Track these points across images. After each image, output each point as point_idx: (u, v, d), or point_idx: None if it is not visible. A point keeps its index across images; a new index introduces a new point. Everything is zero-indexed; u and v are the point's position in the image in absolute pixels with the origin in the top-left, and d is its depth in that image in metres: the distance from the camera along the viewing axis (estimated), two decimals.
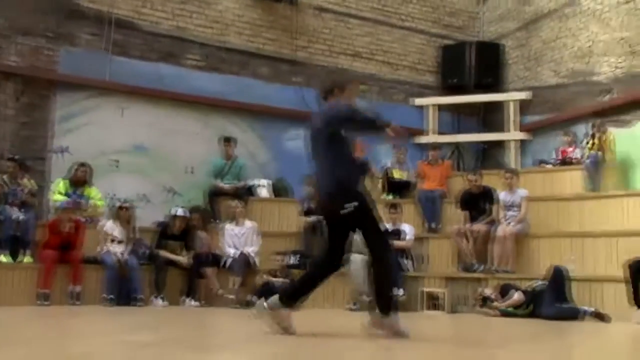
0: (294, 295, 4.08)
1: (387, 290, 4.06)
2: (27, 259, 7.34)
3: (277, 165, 9.96)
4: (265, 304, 4.01)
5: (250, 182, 9.30)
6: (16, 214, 7.41)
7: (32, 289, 7.12)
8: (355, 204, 3.93)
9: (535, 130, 10.45)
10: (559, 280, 6.56)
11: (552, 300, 6.43)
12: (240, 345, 3.56)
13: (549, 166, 9.22)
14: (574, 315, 6.23)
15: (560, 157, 9.15)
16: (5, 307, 6.84)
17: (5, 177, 7.68)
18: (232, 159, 9.11)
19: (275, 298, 4.03)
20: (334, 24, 10.92)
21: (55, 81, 8.78)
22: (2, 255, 7.22)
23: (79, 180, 8.12)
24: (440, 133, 11.01)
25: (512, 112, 10.64)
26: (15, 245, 7.37)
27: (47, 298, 7.05)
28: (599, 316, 6.18)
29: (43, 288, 7.07)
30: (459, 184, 9.40)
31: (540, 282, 6.79)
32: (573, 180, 8.78)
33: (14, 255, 7.31)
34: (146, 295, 7.51)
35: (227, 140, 9.09)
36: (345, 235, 4.18)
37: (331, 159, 4.10)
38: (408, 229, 8.03)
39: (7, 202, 7.53)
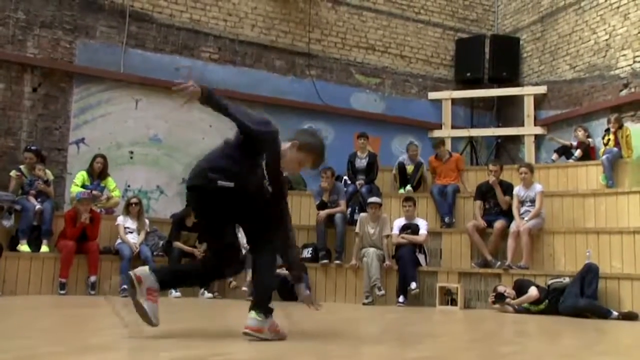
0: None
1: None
2: (45, 248, 7.44)
3: None
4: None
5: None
6: (35, 204, 7.51)
7: (50, 278, 7.22)
8: (232, 184, 3.32)
9: (550, 125, 10.38)
10: (589, 276, 6.51)
11: (576, 295, 6.40)
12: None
13: (571, 161, 9.12)
14: (603, 313, 6.19)
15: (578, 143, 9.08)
16: (24, 295, 6.95)
17: (23, 167, 7.76)
18: None
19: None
20: (348, 17, 10.89)
21: (72, 73, 8.82)
22: (21, 245, 7.31)
23: (97, 172, 8.20)
24: (455, 127, 10.98)
25: (527, 107, 10.57)
26: (34, 235, 7.47)
27: (64, 287, 7.15)
28: (628, 316, 6.15)
29: (61, 277, 7.17)
30: (473, 177, 9.39)
31: (556, 280, 6.77)
32: (589, 175, 8.72)
33: (33, 245, 7.41)
34: None
35: None
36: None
37: (231, 148, 3.53)
38: (422, 224, 8.01)
39: (26, 192, 7.62)
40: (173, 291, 7.48)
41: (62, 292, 7.13)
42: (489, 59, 11.06)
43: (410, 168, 9.37)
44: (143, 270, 3.35)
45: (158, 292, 3.33)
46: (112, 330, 3.78)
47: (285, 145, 3.56)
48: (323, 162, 3.72)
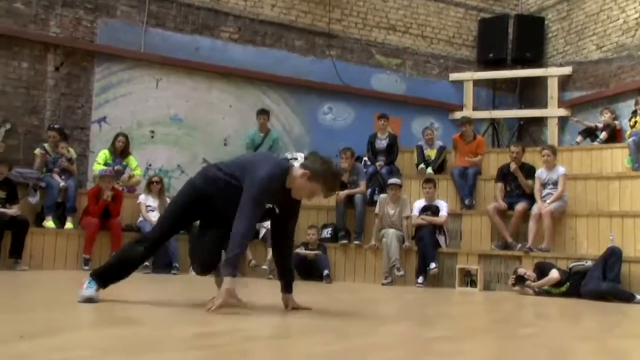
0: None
1: None
2: (69, 225, 7.57)
3: (310, 139, 9.98)
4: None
5: (284, 155, 9.32)
6: (59, 181, 7.63)
7: (74, 254, 7.37)
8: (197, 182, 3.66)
9: (575, 106, 10.23)
10: (612, 259, 6.45)
11: (598, 278, 6.35)
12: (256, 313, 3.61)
13: (595, 143, 9.00)
14: (626, 296, 6.14)
15: (604, 125, 8.95)
16: (49, 270, 7.10)
17: (47, 145, 7.87)
18: (267, 131, 9.14)
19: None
20: None
21: (93, 52, 8.89)
22: (47, 221, 7.45)
23: (119, 151, 8.29)
24: (476, 109, 10.87)
25: (551, 88, 10.42)
26: (59, 211, 7.61)
27: (87, 263, 7.28)
28: None
29: (85, 254, 7.31)
30: (494, 160, 9.31)
31: (578, 263, 6.72)
32: (615, 158, 8.60)
33: (58, 221, 7.54)
34: (183, 264, 7.65)
35: (263, 113, 9.11)
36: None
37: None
38: (443, 205, 7.99)
39: (50, 170, 7.75)
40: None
41: (86, 267, 7.24)
42: (513, 40, 10.89)
43: (428, 152, 9.31)
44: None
45: None
46: (137, 305, 3.85)
47: (297, 172, 3.53)
48: (335, 191, 3.66)
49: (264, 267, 7.64)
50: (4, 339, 2.16)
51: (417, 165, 9.23)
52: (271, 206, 3.60)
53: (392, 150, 9.09)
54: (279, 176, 3.50)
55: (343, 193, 8.29)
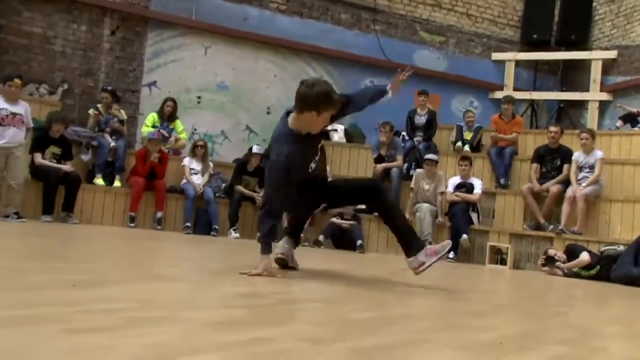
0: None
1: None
2: (117, 183, 7.74)
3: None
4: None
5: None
6: (110, 141, 7.78)
7: (121, 211, 7.54)
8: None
9: (617, 91, 9.89)
10: None
11: (629, 264, 6.20)
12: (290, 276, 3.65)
13: (636, 129, 8.70)
14: None
15: None
16: (98, 225, 7.30)
17: (100, 106, 8.02)
18: None
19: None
20: None
21: (147, 18, 8.96)
22: (97, 179, 7.63)
23: (167, 115, 8.39)
24: (517, 89, 10.61)
25: (595, 71, 10.08)
26: (108, 170, 7.78)
27: (133, 220, 7.44)
28: None
29: (131, 211, 7.47)
30: (532, 141, 9.11)
31: (610, 247, 6.57)
32: None
33: (107, 179, 7.71)
34: (222, 227, 7.77)
35: None
36: None
37: None
38: (477, 183, 7.88)
39: (102, 130, 7.90)
40: (232, 232, 7.68)
41: (131, 224, 7.44)
42: (558, 21, 10.54)
43: (466, 135, 9.17)
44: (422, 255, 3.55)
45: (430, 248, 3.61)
46: (178, 263, 3.93)
47: (295, 119, 3.33)
48: (332, 104, 3.25)
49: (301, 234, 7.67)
50: (59, 286, 2.24)
51: (454, 143, 9.10)
52: (312, 167, 3.45)
53: (430, 126, 8.98)
54: (285, 146, 3.28)
55: (380, 166, 8.25)
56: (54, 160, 7.08)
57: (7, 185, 6.44)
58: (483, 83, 10.71)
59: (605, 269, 6.37)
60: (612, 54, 10.04)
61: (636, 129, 8.75)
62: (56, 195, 6.95)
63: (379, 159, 8.38)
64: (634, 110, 9.01)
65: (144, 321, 1.72)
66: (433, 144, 8.94)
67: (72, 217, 7.00)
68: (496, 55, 10.81)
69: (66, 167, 7.09)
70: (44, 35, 8.39)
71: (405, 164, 8.57)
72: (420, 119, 9.02)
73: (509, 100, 9.09)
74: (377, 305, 2.76)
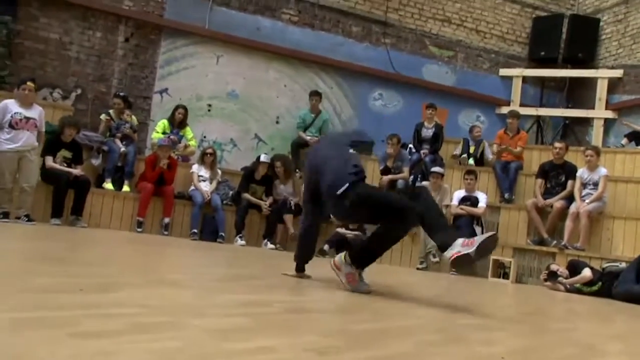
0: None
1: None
2: (126, 188, 7.74)
3: (359, 123, 9.92)
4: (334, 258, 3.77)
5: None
6: (120, 146, 7.80)
7: (129, 216, 7.53)
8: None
9: (622, 109, 9.85)
10: None
11: (631, 281, 6.14)
12: (294, 285, 3.62)
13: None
14: None
15: None
16: (106, 229, 7.30)
17: (112, 112, 8.04)
18: (318, 112, 9.14)
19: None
20: None
21: (161, 26, 9.00)
22: (106, 183, 7.64)
23: (177, 122, 8.40)
24: (523, 105, 10.59)
25: (600, 90, 10.05)
26: (118, 175, 7.78)
27: (140, 225, 7.44)
28: None
29: (139, 216, 7.46)
30: (537, 157, 9.07)
31: (612, 264, 6.51)
32: None
33: (116, 184, 7.72)
34: (229, 234, 7.76)
35: (316, 95, 9.12)
36: None
37: None
38: (482, 197, 7.85)
39: (113, 135, 7.91)
40: (239, 239, 7.67)
41: (139, 229, 7.43)
42: (565, 39, 10.53)
43: (472, 148, 9.17)
44: (338, 257, 3.66)
45: (356, 273, 3.60)
46: (184, 269, 3.92)
47: None
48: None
49: None
50: (67, 290, 2.23)
51: (460, 155, 9.10)
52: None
53: (437, 139, 8.96)
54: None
55: (386, 177, 8.23)
56: (65, 164, 7.09)
57: (20, 188, 6.46)
58: (490, 98, 10.69)
59: (607, 285, 6.31)
60: (618, 73, 10.01)
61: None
62: (66, 199, 6.94)
63: (385, 171, 8.36)
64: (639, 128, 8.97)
65: (149, 327, 1.70)
66: (439, 157, 8.92)
67: (80, 220, 6.99)
68: (504, 71, 10.80)
69: (76, 171, 7.07)
70: (60, 41, 8.44)
71: (411, 176, 8.55)
72: (427, 132, 9.01)
73: (514, 115, 9.08)
74: (382, 316, 2.74)
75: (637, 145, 8.83)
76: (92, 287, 2.39)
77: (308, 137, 8.84)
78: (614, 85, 10.05)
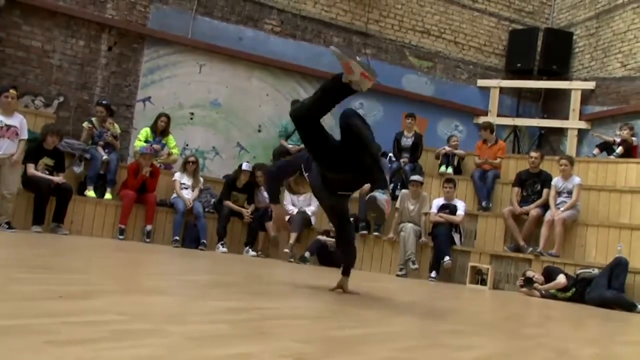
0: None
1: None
2: (108, 196, 7.66)
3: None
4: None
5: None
6: (102, 154, 7.72)
7: (111, 223, 7.45)
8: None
9: (595, 120, 10.02)
10: (618, 269, 6.33)
11: (603, 286, 6.23)
12: (282, 291, 3.62)
13: (612, 157, 8.77)
14: (628, 305, 6.02)
15: (622, 141, 8.72)
16: (87, 236, 7.21)
17: (94, 120, 7.97)
18: None
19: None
20: (406, 0, 10.67)
21: (145, 35, 8.96)
22: (88, 191, 7.55)
23: (160, 130, 8.35)
24: (500, 115, 10.72)
25: (574, 101, 10.22)
26: (100, 182, 7.70)
27: (122, 233, 7.36)
28: None
29: (121, 224, 7.39)
30: (514, 165, 9.18)
31: (585, 270, 6.60)
32: (629, 173, 8.42)
33: (98, 191, 7.64)
34: (211, 241, 7.71)
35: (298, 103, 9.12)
36: None
37: None
38: (461, 205, 7.91)
39: (95, 143, 7.84)
40: (220, 246, 7.63)
41: (120, 237, 7.36)
42: (541, 52, 10.70)
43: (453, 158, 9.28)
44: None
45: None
46: (165, 276, 3.89)
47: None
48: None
49: (285, 250, 7.65)
50: (46, 297, 2.20)
51: (440, 165, 9.19)
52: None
53: (416, 148, 9.02)
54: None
55: (367, 186, 8.23)
56: (47, 172, 7.00)
57: (1, 195, 6.36)
58: (468, 108, 10.80)
59: (580, 291, 6.41)
60: (590, 85, 10.19)
61: (612, 157, 8.85)
62: (47, 206, 6.85)
63: None
64: (610, 139, 9.12)
65: (129, 334, 1.69)
66: (419, 166, 8.98)
67: (62, 228, 6.90)
68: (481, 82, 10.93)
69: (58, 178, 6.99)
70: (42, 49, 8.35)
71: (391, 185, 8.59)
72: (407, 141, 9.07)
73: (486, 126, 9.23)
74: (361, 323, 2.75)
75: (608, 155, 8.98)
76: (72, 294, 2.36)
77: (290, 146, 8.84)
78: (586, 96, 10.22)
